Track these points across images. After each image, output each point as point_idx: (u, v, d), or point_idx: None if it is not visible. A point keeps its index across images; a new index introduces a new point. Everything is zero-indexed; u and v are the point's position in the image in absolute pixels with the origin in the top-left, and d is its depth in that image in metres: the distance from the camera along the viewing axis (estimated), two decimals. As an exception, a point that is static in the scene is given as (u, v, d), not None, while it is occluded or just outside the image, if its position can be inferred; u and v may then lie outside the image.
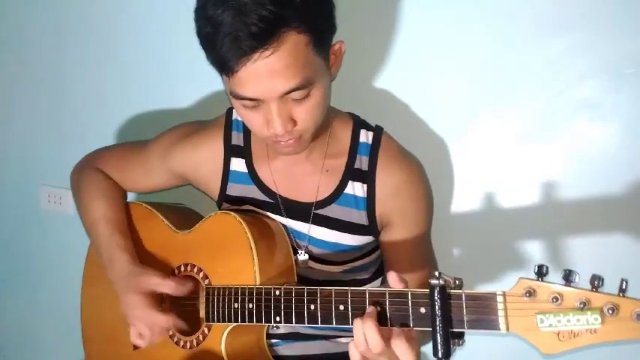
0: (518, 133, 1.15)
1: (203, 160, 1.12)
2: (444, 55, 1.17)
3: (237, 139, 1.10)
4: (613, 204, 1.08)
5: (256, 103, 0.89)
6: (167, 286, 1.02)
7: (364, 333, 0.79)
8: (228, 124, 1.11)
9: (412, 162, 1.07)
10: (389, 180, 1.03)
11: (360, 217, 1.05)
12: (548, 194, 1.12)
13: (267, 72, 0.84)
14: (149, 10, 1.44)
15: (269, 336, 1.07)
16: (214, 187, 1.12)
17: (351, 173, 1.05)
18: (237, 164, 1.10)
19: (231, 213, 1.02)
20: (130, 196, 1.24)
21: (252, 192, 1.09)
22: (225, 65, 0.85)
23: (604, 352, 1.11)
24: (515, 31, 1.12)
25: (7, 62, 1.69)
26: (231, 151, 1.10)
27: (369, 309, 0.81)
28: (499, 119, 1.16)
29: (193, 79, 1.38)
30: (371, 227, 1.05)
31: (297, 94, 0.87)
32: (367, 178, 1.04)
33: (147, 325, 1.02)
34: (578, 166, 1.11)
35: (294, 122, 0.91)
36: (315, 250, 1.07)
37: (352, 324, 0.82)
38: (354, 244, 1.07)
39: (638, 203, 1.07)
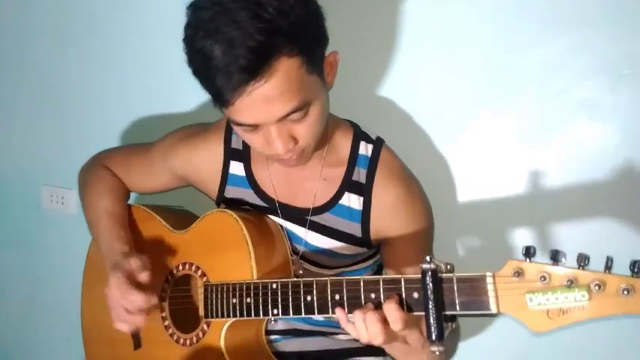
0: (518, 133, 1.15)
1: (203, 162, 1.13)
2: (444, 55, 1.17)
3: (236, 142, 1.11)
4: (611, 203, 1.08)
5: (255, 127, 0.89)
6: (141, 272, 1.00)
7: (365, 325, 0.81)
8: (229, 127, 1.11)
9: (410, 179, 1.06)
10: (385, 196, 1.02)
11: (353, 229, 1.04)
12: (547, 194, 1.12)
13: (263, 100, 0.83)
14: (151, 12, 1.45)
15: (268, 332, 1.08)
16: (213, 189, 1.13)
17: (348, 185, 1.04)
18: (236, 167, 1.11)
19: (227, 210, 1.03)
20: (130, 199, 1.25)
21: (249, 196, 1.10)
22: (220, 99, 0.86)
23: (603, 350, 1.12)
24: (514, 31, 1.12)
25: (9, 63, 1.69)
26: (230, 154, 1.11)
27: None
28: (498, 119, 1.16)
29: (195, 82, 1.38)
30: (364, 239, 1.05)
31: (295, 116, 0.87)
32: (364, 191, 1.03)
33: (122, 304, 0.98)
34: (576, 165, 1.11)
35: (295, 140, 0.91)
36: (310, 255, 1.07)
37: (348, 312, 0.84)
38: (348, 253, 1.07)
39: (637, 203, 1.07)
